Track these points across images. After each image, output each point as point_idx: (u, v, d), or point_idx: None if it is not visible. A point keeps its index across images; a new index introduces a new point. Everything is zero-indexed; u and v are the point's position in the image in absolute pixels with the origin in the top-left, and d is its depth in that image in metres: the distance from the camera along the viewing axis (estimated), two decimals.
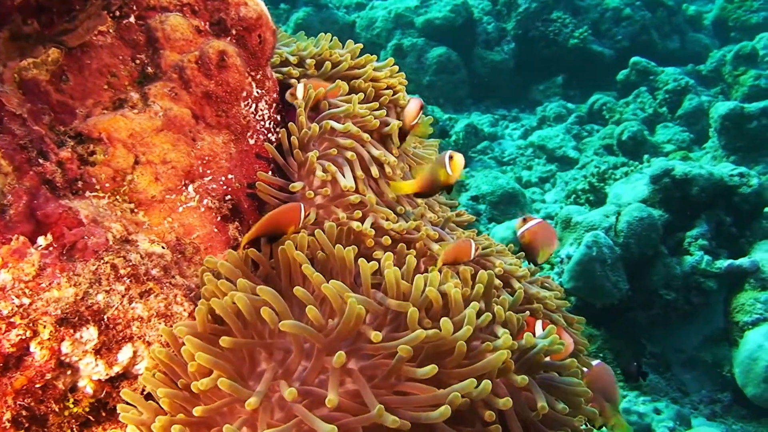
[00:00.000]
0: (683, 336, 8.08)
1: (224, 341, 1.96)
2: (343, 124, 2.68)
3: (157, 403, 1.95)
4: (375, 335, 2.01)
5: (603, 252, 7.64)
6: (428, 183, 2.55)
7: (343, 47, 3.21)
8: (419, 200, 2.93)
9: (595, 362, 2.79)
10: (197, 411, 1.88)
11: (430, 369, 1.95)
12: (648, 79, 13.81)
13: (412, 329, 2.03)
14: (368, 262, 2.22)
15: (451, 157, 2.47)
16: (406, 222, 2.68)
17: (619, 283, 7.69)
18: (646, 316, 8.03)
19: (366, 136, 2.71)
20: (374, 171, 2.67)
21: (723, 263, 7.93)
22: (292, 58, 2.95)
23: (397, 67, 3.21)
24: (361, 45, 3.15)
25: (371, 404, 1.88)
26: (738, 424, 7.35)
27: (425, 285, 2.18)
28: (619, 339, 7.99)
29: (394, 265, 2.27)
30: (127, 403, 1.98)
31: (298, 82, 2.78)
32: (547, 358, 2.30)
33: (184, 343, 2.00)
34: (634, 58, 14.11)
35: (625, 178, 9.21)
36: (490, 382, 1.95)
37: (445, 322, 2.04)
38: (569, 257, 7.92)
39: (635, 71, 14.02)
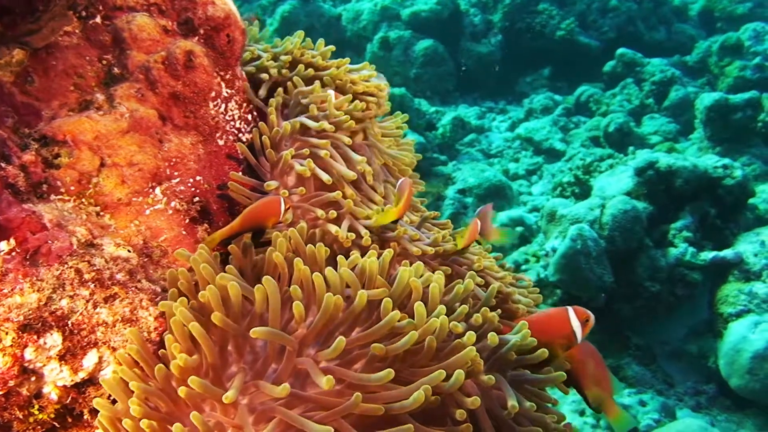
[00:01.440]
0: (668, 328, 8.11)
1: (216, 317, 1.95)
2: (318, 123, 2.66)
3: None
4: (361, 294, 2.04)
5: (588, 245, 7.65)
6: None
7: (328, 43, 3.16)
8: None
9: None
10: (182, 391, 1.86)
11: (410, 337, 1.97)
12: (634, 71, 13.80)
13: (385, 315, 2.04)
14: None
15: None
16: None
17: (604, 276, 7.71)
18: (631, 309, 8.04)
19: (346, 140, 2.69)
20: (347, 172, 2.64)
21: (707, 255, 7.96)
22: (265, 55, 2.92)
23: (374, 73, 3.16)
24: (333, 47, 3.11)
25: (365, 379, 1.92)
26: (723, 415, 7.38)
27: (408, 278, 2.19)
28: (604, 332, 8.00)
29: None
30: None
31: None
32: None
33: (155, 344, 2.00)
34: (620, 50, 14.10)
35: (610, 171, 9.22)
36: (462, 372, 1.95)
37: (419, 306, 2.06)
38: (554, 250, 7.93)
39: (622, 63, 14.00)
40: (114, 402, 1.96)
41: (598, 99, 13.70)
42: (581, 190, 9.95)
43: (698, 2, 16.49)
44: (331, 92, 2.82)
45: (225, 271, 2.12)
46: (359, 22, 15.71)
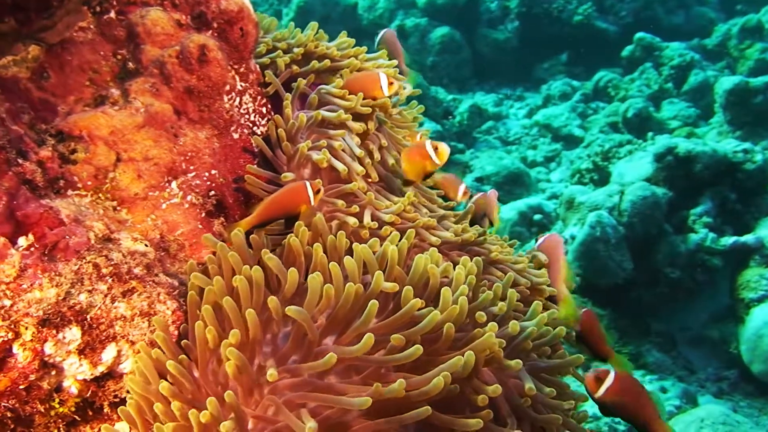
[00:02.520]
0: (689, 314, 8.07)
1: (272, 302, 1.97)
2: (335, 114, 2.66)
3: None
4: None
5: (607, 232, 7.62)
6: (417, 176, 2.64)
7: (346, 35, 3.15)
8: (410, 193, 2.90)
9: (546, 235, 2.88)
10: (230, 366, 1.86)
11: (432, 317, 1.99)
12: (653, 55, 13.65)
13: (405, 303, 2.05)
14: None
15: (435, 148, 2.50)
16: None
17: (623, 263, 7.68)
18: (652, 295, 8.01)
19: (358, 129, 2.69)
20: (356, 167, 2.64)
21: (728, 240, 7.90)
22: (279, 45, 2.92)
23: (394, 62, 3.13)
24: (353, 40, 3.09)
25: (393, 359, 1.95)
26: (745, 401, 7.34)
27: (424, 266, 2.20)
28: (625, 318, 7.98)
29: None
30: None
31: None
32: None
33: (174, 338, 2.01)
34: (638, 34, 13.94)
35: (629, 157, 9.17)
36: (473, 354, 1.95)
37: (446, 291, 2.07)
38: (573, 237, 7.91)
39: (640, 47, 13.85)
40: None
41: (617, 84, 13.57)
42: (600, 176, 9.89)
43: None
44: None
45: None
46: (375, 10, 15.65)
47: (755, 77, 10.98)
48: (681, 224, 8.16)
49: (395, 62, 3.07)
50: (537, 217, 9.52)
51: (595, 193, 8.38)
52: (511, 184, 10.71)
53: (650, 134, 11.05)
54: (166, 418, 1.87)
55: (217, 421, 1.78)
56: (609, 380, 2.41)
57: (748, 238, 7.85)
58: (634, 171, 8.46)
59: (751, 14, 13.75)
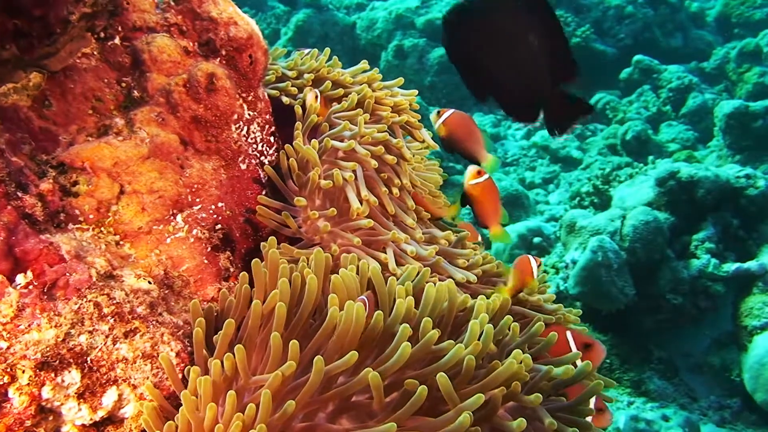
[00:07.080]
0: (691, 340, 7.98)
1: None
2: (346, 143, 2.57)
3: None
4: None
5: (608, 257, 7.53)
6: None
7: (343, 52, 3.09)
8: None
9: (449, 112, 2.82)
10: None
11: (456, 351, 1.93)
12: (651, 78, 13.67)
13: (423, 334, 1.96)
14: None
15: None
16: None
17: (625, 288, 7.59)
18: (654, 321, 7.92)
19: (373, 162, 2.61)
20: (370, 198, 2.56)
21: (730, 267, 7.82)
22: (289, 73, 2.84)
23: (415, 93, 3.05)
24: (376, 69, 3.01)
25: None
26: (748, 430, 7.25)
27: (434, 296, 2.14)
28: (626, 345, 7.89)
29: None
30: None
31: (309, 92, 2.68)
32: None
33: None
34: (637, 57, 13.97)
35: (630, 181, 9.09)
36: (482, 395, 1.87)
37: (474, 324, 2.00)
38: (574, 262, 7.82)
39: (638, 69, 13.88)
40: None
41: (615, 106, 13.56)
42: (600, 200, 9.83)
43: (715, 8, 16.32)
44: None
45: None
46: (374, 30, 15.64)
47: (754, 101, 10.99)
48: (683, 250, 8.08)
49: (415, 92, 2.99)
50: (536, 239, 9.45)
51: (597, 218, 8.30)
52: (510, 206, 10.64)
53: (651, 158, 11.01)
54: None
55: None
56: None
57: (751, 264, 7.77)
58: (636, 195, 8.38)
59: (749, 38, 13.78)
